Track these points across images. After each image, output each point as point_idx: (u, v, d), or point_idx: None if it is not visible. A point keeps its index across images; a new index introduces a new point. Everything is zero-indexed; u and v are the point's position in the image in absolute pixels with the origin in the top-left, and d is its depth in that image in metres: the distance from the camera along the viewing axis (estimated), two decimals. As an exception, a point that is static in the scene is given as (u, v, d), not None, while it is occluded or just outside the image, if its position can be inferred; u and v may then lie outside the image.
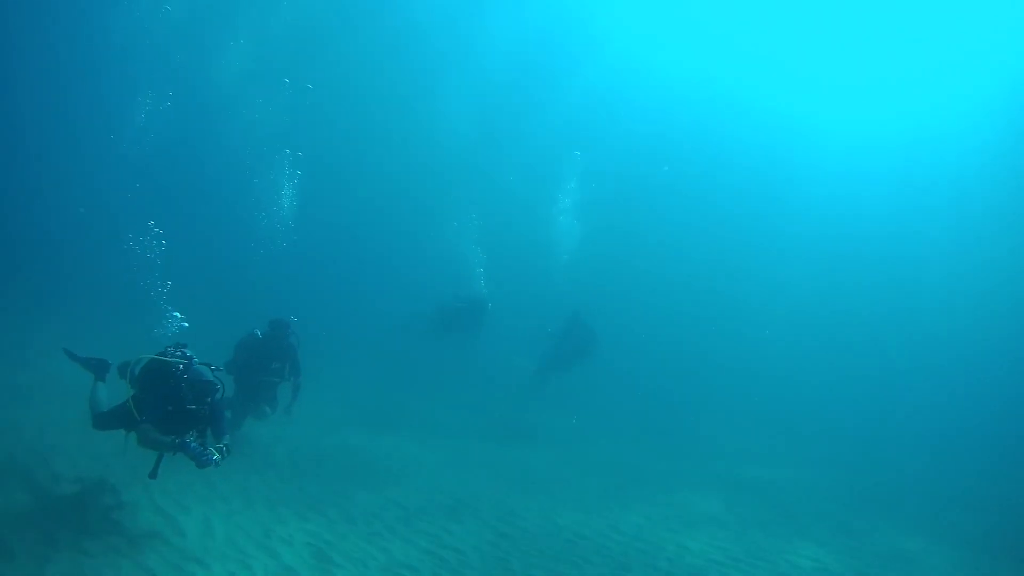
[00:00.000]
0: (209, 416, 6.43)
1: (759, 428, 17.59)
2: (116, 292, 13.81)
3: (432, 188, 28.14)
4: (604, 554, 7.79)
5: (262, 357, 9.28)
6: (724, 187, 33.04)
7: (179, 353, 6.65)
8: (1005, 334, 26.26)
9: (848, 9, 28.38)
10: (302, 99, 23.39)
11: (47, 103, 26.26)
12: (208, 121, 25.75)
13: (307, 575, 6.23)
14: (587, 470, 11.47)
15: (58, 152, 25.67)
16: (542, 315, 16.94)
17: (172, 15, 22.77)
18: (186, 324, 9.45)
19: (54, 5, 25.12)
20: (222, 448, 6.21)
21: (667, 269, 29.55)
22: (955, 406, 21.74)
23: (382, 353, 17.51)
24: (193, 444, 6.01)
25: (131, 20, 23.30)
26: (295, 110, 22.94)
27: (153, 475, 6.42)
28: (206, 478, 7.78)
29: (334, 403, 12.91)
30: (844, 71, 30.84)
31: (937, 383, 24.03)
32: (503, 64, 29.63)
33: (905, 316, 29.16)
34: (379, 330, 18.18)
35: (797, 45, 30.47)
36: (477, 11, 28.77)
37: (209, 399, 6.38)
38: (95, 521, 6.41)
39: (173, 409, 6.28)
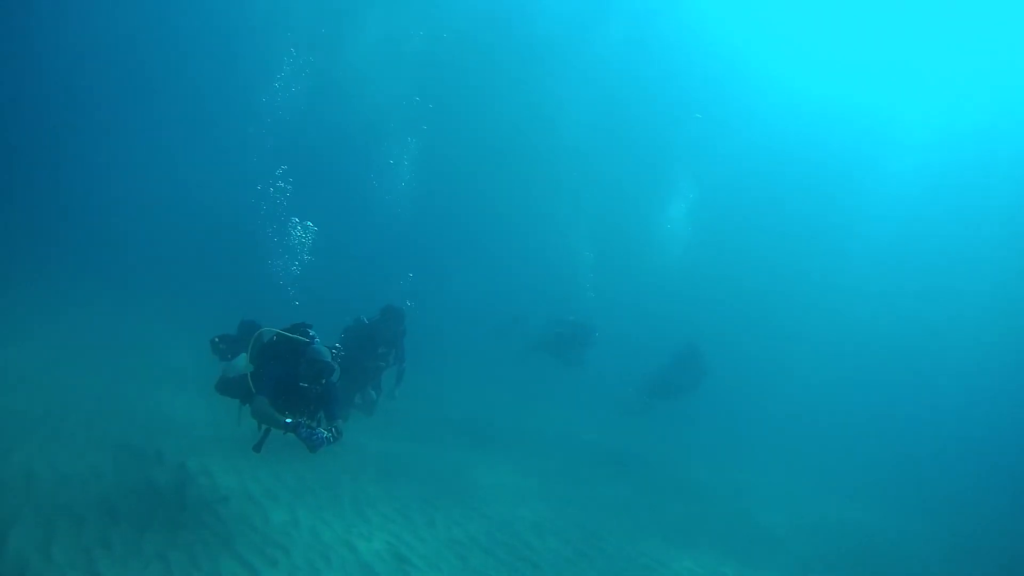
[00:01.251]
0: (323, 397, 6.37)
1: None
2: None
3: (547, 186, 28.30)
4: (689, 586, 7.44)
5: (369, 342, 9.28)
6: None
7: (303, 332, 6.66)
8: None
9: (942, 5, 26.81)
10: (427, 87, 23.79)
11: (180, 76, 28.07)
12: (337, 100, 26.64)
13: (383, 571, 6.28)
14: (673, 496, 11.06)
15: (187, 124, 27.53)
16: (644, 322, 16.58)
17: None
18: (313, 225, 9.45)
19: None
20: (332, 429, 6.12)
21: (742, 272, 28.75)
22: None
23: (483, 360, 17.58)
24: (304, 428, 5.93)
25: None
26: (421, 96, 23.35)
27: (257, 449, 6.40)
28: (297, 472, 8.06)
29: (431, 410, 13.05)
30: (938, 67, 28.99)
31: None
32: (622, 66, 29.55)
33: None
34: (483, 333, 18.25)
35: (890, 43, 28.89)
36: (599, 14, 28.88)
37: (324, 380, 6.30)
38: (191, 503, 6.73)
39: (288, 386, 6.25)
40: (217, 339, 7.38)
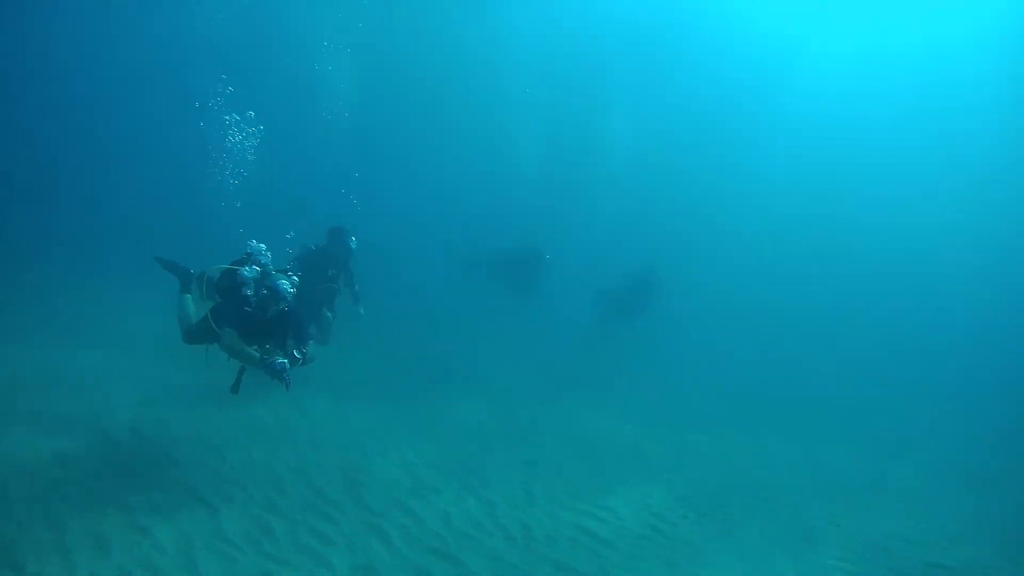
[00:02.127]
0: (286, 324, 6.43)
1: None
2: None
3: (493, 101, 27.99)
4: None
5: (318, 266, 9.40)
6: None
7: (254, 262, 6.66)
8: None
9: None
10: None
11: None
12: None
13: (335, 495, 6.67)
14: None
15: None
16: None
17: None
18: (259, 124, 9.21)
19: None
20: (301, 352, 6.29)
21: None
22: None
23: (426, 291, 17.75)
24: (269, 360, 6.06)
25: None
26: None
27: (235, 390, 6.50)
28: (252, 413, 8.36)
29: (384, 339, 13.24)
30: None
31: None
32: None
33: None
34: (426, 262, 18.32)
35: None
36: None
37: (277, 308, 6.34)
38: (147, 450, 7.00)
39: (247, 317, 6.32)
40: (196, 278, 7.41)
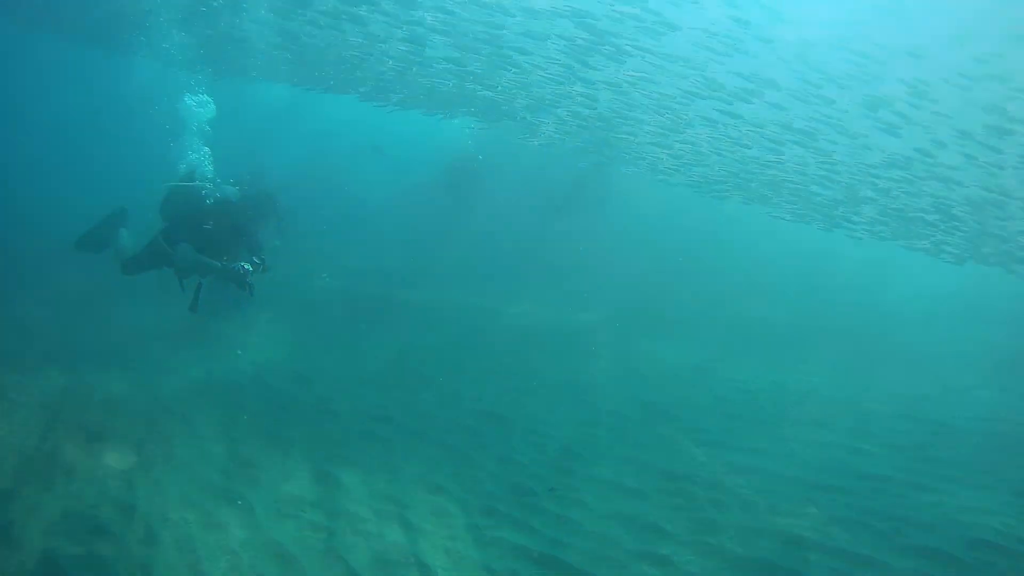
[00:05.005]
0: (239, 235, 6.49)
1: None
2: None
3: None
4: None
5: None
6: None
7: (197, 176, 6.78)
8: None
9: None
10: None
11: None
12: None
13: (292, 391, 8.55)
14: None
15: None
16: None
17: None
18: None
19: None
20: (252, 259, 6.34)
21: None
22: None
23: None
24: (231, 265, 6.14)
25: None
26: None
27: (193, 308, 6.40)
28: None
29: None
30: None
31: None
32: None
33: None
34: None
35: None
36: None
37: (230, 218, 6.42)
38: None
39: (200, 232, 6.30)
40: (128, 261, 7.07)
